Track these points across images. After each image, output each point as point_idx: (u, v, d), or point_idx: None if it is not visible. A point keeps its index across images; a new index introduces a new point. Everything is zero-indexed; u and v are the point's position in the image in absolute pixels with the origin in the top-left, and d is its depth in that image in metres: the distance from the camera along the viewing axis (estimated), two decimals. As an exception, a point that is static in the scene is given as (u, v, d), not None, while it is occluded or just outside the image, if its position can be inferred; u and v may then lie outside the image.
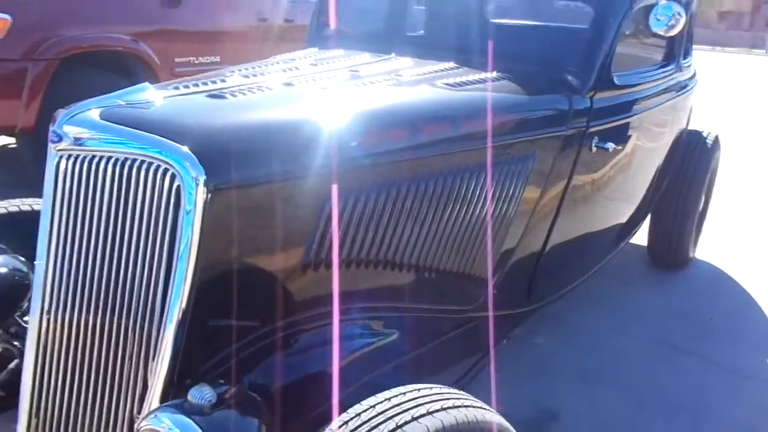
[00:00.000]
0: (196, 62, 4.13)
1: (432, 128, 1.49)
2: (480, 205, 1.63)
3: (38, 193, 1.77)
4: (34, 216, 1.61)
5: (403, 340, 1.60)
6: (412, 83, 1.67)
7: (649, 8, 1.92)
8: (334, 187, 1.24)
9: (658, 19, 1.86)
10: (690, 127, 3.16)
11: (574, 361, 2.38)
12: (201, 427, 0.95)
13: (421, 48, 2.05)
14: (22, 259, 1.46)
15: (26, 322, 1.39)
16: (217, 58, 4.28)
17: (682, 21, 1.86)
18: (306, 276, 1.32)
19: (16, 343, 1.42)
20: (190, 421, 0.94)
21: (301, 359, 1.33)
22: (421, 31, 2.51)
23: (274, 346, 1.29)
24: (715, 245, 3.56)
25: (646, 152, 2.40)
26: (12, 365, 1.44)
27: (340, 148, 1.28)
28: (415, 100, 1.55)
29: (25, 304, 1.41)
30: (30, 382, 1.21)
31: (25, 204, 1.67)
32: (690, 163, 2.91)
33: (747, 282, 3.16)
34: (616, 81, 1.94)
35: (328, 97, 1.42)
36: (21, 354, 1.42)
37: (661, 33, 1.92)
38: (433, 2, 2.44)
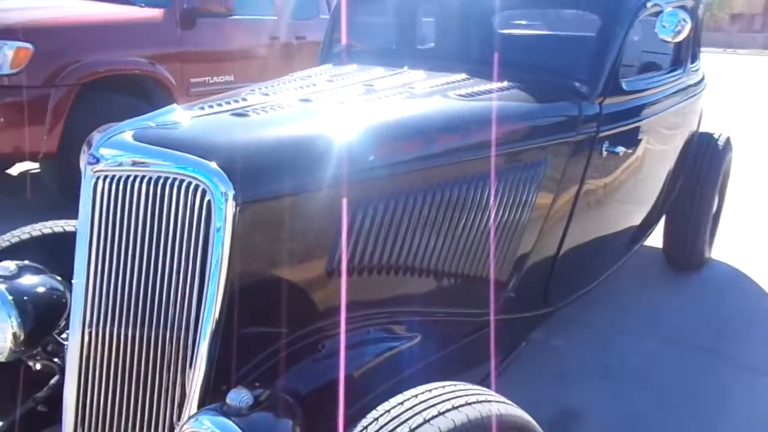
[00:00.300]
0: (211, 82, 4.24)
1: (445, 138, 1.55)
2: (494, 211, 1.68)
3: (64, 216, 1.86)
4: (66, 237, 1.70)
5: (425, 343, 1.64)
6: (425, 95, 1.72)
7: (655, 15, 1.96)
8: (354, 198, 1.30)
9: (664, 26, 1.91)
10: (701, 130, 3.19)
11: (594, 361, 2.40)
12: (240, 428, 1.00)
13: (432, 61, 2.11)
14: (59, 278, 1.52)
15: (64, 340, 1.45)
16: (231, 77, 4.38)
17: (688, 27, 1.90)
18: (330, 283, 1.37)
19: (56, 359, 1.48)
20: (230, 422, 1.00)
21: (329, 363, 1.37)
22: (432, 44, 2.58)
23: (303, 351, 1.34)
24: (730, 246, 3.57)
25: (657, 155, 2.43)
26: (53, 381, 1.50)
27: (358, 160, 1.34)
28: (428, 111, 1.60)
29: (63, 323, 1.48)
30: (74, 396, 1.27)
31: (57, 226, 1.74)
32: (702, 165, 2.94)
33: (763, 281, 3.16)
34: (624, 87, 1.99)
35: (344, 111, 1.48)
36: (61, 370, 1.48)
37: (668, 39, 1.96)
38: (443, 16, 2.51)
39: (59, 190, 3.63)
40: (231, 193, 1.13)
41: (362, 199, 1.35)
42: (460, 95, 1.74)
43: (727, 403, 2.17)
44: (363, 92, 1.66)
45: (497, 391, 1.50)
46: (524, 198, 1.76)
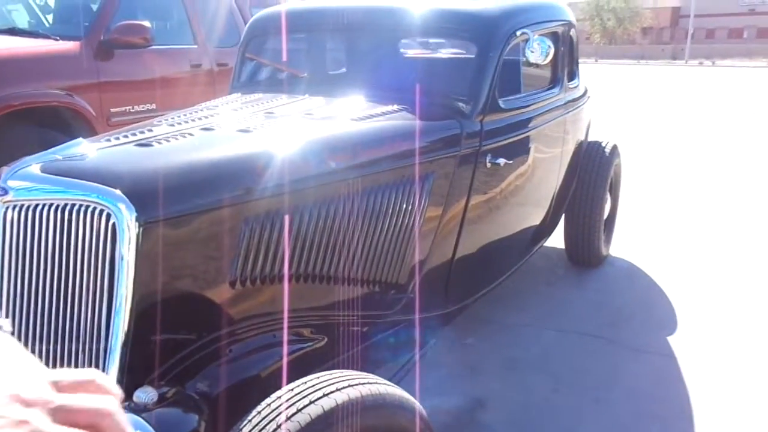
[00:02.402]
0: (132, 111, 4.29)
1: (339, 157, 1.73)
2: (390, 220, 1.88)
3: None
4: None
5: (331, 345, 1.81)
6: (322, 119, 1.91)
7: (525, 42, 2.24)
8: (252, 214, 1.46)
9: (532, 51, 2.18)
10: (591, 138, 3.53)
11: (501, 355, 2.64)
12: (147, 422, 1.13)
13: (336, 87, 2.31)
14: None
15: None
16: (153, 106, 4.44)
17: (552, 51, 2.18)
18: (234, 292, 1.52)
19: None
20: (137, 417, 1.13)
21: (237, 366, 1.52)
22: (344, 69, 2.79)
23: (212, 355, 1.48)
24: (628, 243, 3.93)
25: (542, 164, 2.71)
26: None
27: (254, 181, 1.50)
28: (323, 134, 1.79)
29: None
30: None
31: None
32: (591, 171, 3.26)
33: (655, 273, 3.51)
34: (502, 105, 2.24)
35: (242, 137, 1.64)
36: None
37: (539, 62, 2.24)
38: (347, 45, 2.72)
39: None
40: (133, 216, 1.27)
41: (260, 215, 1.51)
42: (353, 118, 1.93)
43: (613, 380, 2.43)
44: (263, 119, 1.83)
45: (405, 386, 1.68)
46: (416, 208, 1.97)
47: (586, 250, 3.41)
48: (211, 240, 1.43)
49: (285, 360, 1.63)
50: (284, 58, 2.50)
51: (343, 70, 2.63)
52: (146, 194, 1.31)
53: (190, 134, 1.61)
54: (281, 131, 1.74)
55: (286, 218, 1.57)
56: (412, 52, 2.51)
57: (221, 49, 5.02)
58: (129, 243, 1.28)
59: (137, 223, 1.27)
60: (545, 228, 3.06)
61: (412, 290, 2.10)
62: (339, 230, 1.73)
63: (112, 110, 4.14)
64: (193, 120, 1.77)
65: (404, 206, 1.92)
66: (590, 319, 2.96)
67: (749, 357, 2.61)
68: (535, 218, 2.90)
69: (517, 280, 3.22)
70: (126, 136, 1.55)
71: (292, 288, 1.68)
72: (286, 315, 1.66)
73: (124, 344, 1.30)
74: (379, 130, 1.91)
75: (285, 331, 1.62)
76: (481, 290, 2.46)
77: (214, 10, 5.12)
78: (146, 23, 4.21)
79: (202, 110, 1.96)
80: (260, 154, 1.56)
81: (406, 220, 1.95)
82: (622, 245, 3.87)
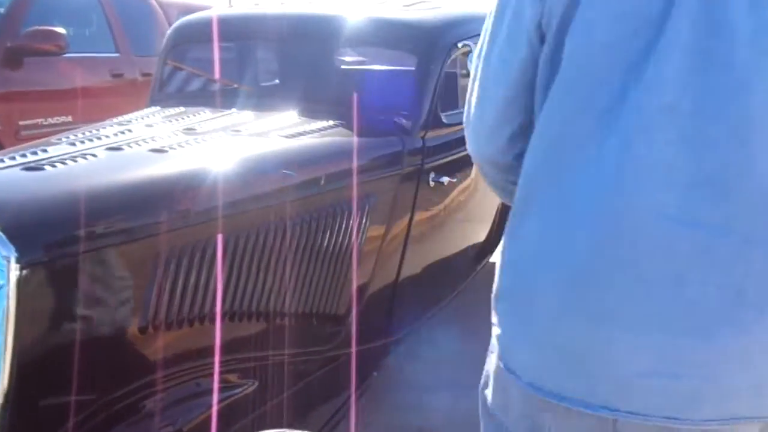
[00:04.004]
0: (45, 124, 3.93)
1: (266, 179, 1.55)
2: (326, 247, 1.71)
3: None
4: None
5: (263, 390, 1.62)
6: (249, 136, 1.72)
7: (466, 54, 2.13)
8: (163, 249, 1.26)
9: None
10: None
11: (447, 379, 2.51)
12: None
13: (268, 100, 2.12)
14: None
15: None
16: (69, 118, 4.09)
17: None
18: (146, 339, 1.31)
19: None
20: None
21: (151, 424, 1.31)
22: (277, 81, 2.60)
23: (119, 415, 1.26)
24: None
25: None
26: None
27: (166, 209, 1.30)
28: (249, 153, 1.60)
29: None
30: None
31: None
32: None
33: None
34: (445, 120, 2.13)
35: (155, 159, 1.44)
36: None
37: (480, 75, 2.13)
38: (280, 55, 2.54)
39: None
40: (13, 257, 1.05)
41: (174, 249, 1.31)
42: (285, 135, 1.76)
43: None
44: (182, 138, 1.63)
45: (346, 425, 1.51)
46: (356, 232, 1.81)
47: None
48: (113, 281, 1.22)
49: (214, 409, 1.43)
50: (210, 68, 2.30)
51: (276, 81, 2.45)
52: (30, 230, 1.09)
53: (93, 155, 1.39)
54: (202, 151, 1.55)
55: (206, 251, 1.37)
56: (349, 63, 2.36)
57: (146, 58, 4.71)
58: (7, 288, 1.05)
59: (18, 265, 1.05)
60: (489, 245, 2.96)
61: (352, 320, 1.93)
62: (269, 261, 1.55)
63: (21, 123, 3.77)
64: (98, 138, 1.55)
65: (342, 231, 1.76)
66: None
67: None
68: (481, 234, 2.80)
69: (461, 300, 3.11)
70: (13, 158, 1.32)
71: (217, 329, 1.48)
72: (217, 360, 1.46)
73: (3, 409, 1.07)
74: (314, 148, 1.75)
75: (212, 378, 1.42)
76: (424, 315, 2.32)
77: (138, 16, 4.81)
78: (60, 29, 3.87)
79: (111, 126, 1.73)
80: (175, 178, 1.36)
81: (345, 246, 1.79)
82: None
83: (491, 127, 0.87)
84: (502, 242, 0.88)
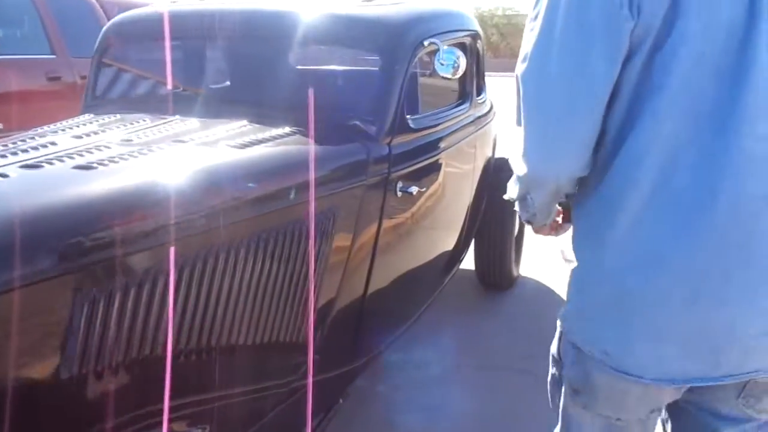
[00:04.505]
0: (-28, 132, 3.60)
1: (214, 197, 1.36)
2: (284, 271, 1.53)
3: None
4: None
5: (219, 431, 1.43)
6: (194, 147, 1.52)
7: (433, 54, 1.97)
8: (86, 284, 1.05)
9: (442, 64, 1.92)
10: (497, 155, 3.36)
11: (417, 400, 2.35)
12: None
13: (216, 105, 1.92)
14: None
15: None
16: (-1, 125, 3.77)
17: (464, 62, 1.93)
18: (73, 390, 1.11)
19: None
20: None
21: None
22: (228, 83, 2.38)
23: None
24: (534, 262, 3.81)
25: (455, 186, 2.47)
26: None
27: (92, 237, 1.10)
28: (194, 167, 1.40)
29: None
30: None
31: None
32: (500, 189, 3.07)
33: (563, 291, 3.40)
34: (411, 125, 1.97)
35: (81, 177, 1.23)
36: None
37: (448, 76, 1.98)
38: (229, 55, 2.33)
39: None
40: None
41: (102, 283, 1.11)
42: (235, 145, 1.57)
43: (539, 418, 2.22)
44: (115, 150, 1.41)
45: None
46: (315, 251, 1.63)
47: (498, 272, 3.23)
48: (25, 326, 1.00)
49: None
50: (151, 70, 2.07)
51: (225, 84, 2.23)
52: None
53: (3, 175, 1.17)
54: (137, 166, 1.34)
55: (143, 283, 1.17)
56: (306, 64, 2.17)
57: (86, 59, 4.39)
58: None
59: None
60: (458, 253, 2.83)
61: (316, 347, 1.75)
62: (218, 290, 1.36)
63: (-58, 132, 3.44)
64: (14, 153, 1.32)
65: (301, 251, 1.58)
66: (508, 350, 2.76)
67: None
68: (449, 244, 2.65)
69: (429, 310, 2.96)
70: None
71: (160, 372, 1.28)
72: (166, 407, 1.26)
73: None
74: (267, 159, 1.56)
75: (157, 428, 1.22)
76: (394, 333, 2.16)
77: (75, 15, 4.49)
78: (-17, 29, 3.56)
79: (32, 139, 1.50)
80: (103, 200, 1.15)
81: (305, 268, 1.60)
82: (530, 264, 3.74)
83: (582, 142, 0.88)
84: (575, 257, 0.95)
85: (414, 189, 1.92)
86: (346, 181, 1.70)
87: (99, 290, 1.10)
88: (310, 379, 1.73)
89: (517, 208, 1.07)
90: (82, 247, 1.08)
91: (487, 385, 2.47)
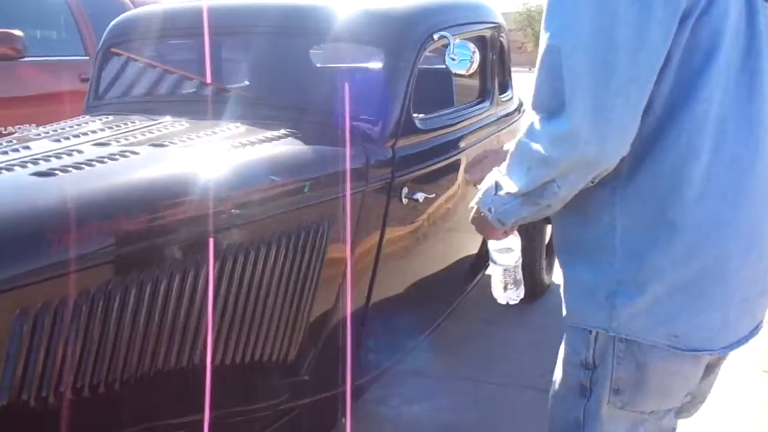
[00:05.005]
0: (5, 133, 3.66)
1: (193, 205, 1.25)
2: (276, 284, 1.41)
3: None
4: None
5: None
6: (176, 150, 1.43)
7: (444, 48, 1.82)
8: (38, 300, 0.96)
9: (453, 59, 1.77)
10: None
11: (430, 418, 2.21)
12: None
13: (208, 105, 1.83)
14: None
15: None
16: (32, 126, 3.82)
17: (476, 59, 1.78)
18: (37, 412, 1.02)
19: None
20: None
21: None
22: (219, 83, 2.28)
23: None
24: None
25: (474, 190, 2.30)
26: None
27: (42, 250, 1.01)
28: (171, 172, 1.31)
29: None
30: None
31: None
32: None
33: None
34: (419, 125, 1.82)
35: (35, 185, 1.14)
36: None
37: (461, 72, 1.83)
38: (226, 50, 2.23)
39: None
40: None
41: (46, 301, 1.02)
42: (223, 148, 1.46)
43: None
44: (87, 155, 1.33)
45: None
46: (309, 262, 1.51)
47: (528, 280, 3.03)
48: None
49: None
50: (149, 70, 2.00)
51: (220, 84, 2.14)
52: None
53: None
54: (104, 172, 1.25)
55: (100, 301, 1.07)
56: (303, 60, 2.05)
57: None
58: None
59: None
60: (479, 263, 2.65)
61: (311, 363, 1.63)
62: (199, 307, 1.25)
63: (-24, 133, 3.50)
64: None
65: (294, 262, 1.46)
66: (533, 366, 2.57)
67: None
68: (465, 253, 2.48)
69: (453, 320, 2.80)
70: None
71: (140, 394, 1.19)
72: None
73: None
74: (258, 162, 1.45)
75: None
76: (403, 349, 2.02)
77: (109, 16, 4.51)
78: (17, 32, 3.60)
79: (9, 143, 1.44)
80: (46, 211, 1.06)
81: (299, 281, 1.49)
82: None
83: (639, 116, 0.84)
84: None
85: (421, 195, 1.77)
86: (341, 187, 1.56)
87: (43, 309, 1.01)
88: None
89: (507, 204, 0.97)
90: (31, 259, 0.99)
91: (506, 404, 2.30)
